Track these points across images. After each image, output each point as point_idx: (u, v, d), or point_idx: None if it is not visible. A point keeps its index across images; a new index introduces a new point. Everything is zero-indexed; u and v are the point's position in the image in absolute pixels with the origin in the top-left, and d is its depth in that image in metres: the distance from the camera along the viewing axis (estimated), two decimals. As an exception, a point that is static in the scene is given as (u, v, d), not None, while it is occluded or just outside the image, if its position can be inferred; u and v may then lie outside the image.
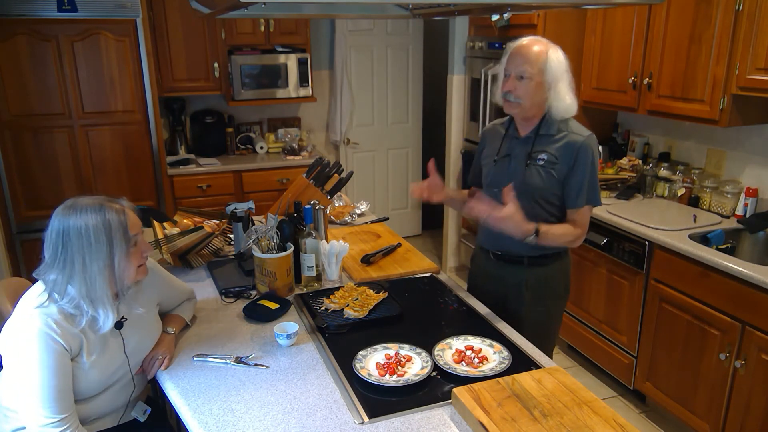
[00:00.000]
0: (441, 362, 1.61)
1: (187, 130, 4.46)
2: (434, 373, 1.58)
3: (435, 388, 1.53)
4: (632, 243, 2.78)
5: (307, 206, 2.14)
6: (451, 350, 1.68)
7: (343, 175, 2.60)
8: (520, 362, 1.64)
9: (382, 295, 2.00)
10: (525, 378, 1.49)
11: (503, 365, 1.59)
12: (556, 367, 1.58)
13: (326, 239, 2.33)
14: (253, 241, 2.04)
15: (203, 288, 2.15)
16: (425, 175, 2.08)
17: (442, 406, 1.46)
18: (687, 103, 2.76)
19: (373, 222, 2.88)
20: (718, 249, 2.55)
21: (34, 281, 1.56)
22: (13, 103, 3.43)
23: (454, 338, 1.73)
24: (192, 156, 4.28)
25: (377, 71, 4.99)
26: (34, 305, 1.47)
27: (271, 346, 1.75)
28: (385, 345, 1.69)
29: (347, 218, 2.90)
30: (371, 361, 1.62)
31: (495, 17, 3.41)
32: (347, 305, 1.91)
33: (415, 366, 1.61)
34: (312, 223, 2.14)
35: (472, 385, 1.46)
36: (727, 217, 2.85)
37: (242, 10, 1.85)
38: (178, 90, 4.11)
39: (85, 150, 3.63)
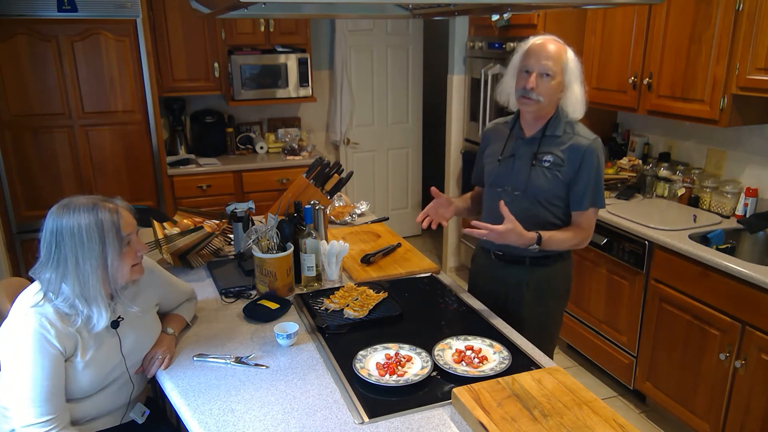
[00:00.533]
0: (441, 362, 1.61)
1: (187, 130, 4.46)
2: (434, 373, 1.58)
3: (435, 388, 1.53)
4: (632, 243, 2.78)
5: (307, 206, 2.14)
6: (451, 350, 1.68)
7: (343, 175, 2.60)
8: (520, 362, 1.64)
9: (382, 295, 2.00)
10: (525, 378, 1.49)
11: (503, 365, 1.59)
12: (556, 367, 1.58)
13: (326, 239, 2.32)
14: (253, 241, 2.04)
15: (203, 288, 2.15)
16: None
17: (442, 406, 1.46)
18: (687, 103, 2.76)
19: (373, 222, 2.88)
20: (718, 249, 2.55)
21: (33, 281, 1.56)
22: (13, 103, 3.43)
23: (454, 338, 1.73)
24: (192, 156, 4.29)
25: (377, 71, 4.99)
26: (30, 304, 1.47)
27: (271, 346, 1.75)
28: (385, 345, 1.69)
29: (347, 218, 2.90)
30: (371, 361, 1.62)
31: (495, 17, 3.41)
32: (347, 305, 1.90)
33: (415, 366, 1.61)
34: (312, 223, 2.14)
35: (472, 385, 1.46)
36: (727, 217, 2.85)
37: (242, 10, 1.85)
38: (178, 90, 4.11)
39: (85, 150, 3.63)
